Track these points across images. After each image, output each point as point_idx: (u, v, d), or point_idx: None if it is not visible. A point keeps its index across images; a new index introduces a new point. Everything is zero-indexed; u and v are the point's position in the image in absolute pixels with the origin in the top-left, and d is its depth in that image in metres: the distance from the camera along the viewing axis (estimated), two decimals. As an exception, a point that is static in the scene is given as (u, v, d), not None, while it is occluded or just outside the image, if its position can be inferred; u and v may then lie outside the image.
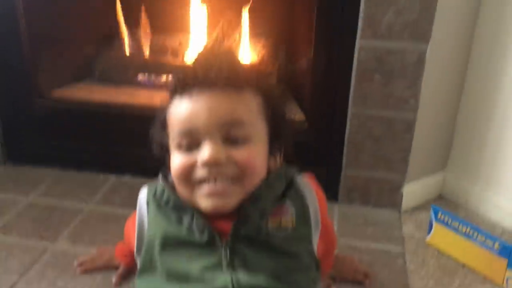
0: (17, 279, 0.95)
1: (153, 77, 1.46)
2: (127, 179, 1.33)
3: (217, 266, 0.65)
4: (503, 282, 0.96)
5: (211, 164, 0.62)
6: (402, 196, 1.20)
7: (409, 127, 1.13)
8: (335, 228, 1.15)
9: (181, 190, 0.67)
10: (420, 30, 1.04)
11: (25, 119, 1.36)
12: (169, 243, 0.67)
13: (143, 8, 1.52)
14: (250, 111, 0.67)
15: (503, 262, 0.95)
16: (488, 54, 1.15)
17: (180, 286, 0.65)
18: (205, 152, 0.63)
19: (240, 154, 0.64)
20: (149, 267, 0.69)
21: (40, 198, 1.24)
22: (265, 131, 0.69)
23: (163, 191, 0.69)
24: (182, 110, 0.65)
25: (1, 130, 1.37)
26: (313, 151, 1.21)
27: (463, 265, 1.02)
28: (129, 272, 0.94)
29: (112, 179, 1.33)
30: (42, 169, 1.37)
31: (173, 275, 0.66)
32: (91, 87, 1.47)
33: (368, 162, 1.18)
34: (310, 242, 0.71)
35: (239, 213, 0.66)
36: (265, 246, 0.66)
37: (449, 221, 1.03)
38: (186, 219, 0.67)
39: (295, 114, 1.26)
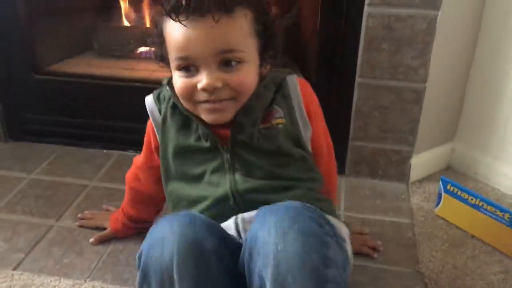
0: (23, 256, 0.95)
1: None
2: (130, 154, 1.31)
3: (221, 168, 0.76)
4: (514, 253, 0.95)
5: (209, 90, 0.70)
6: (410, 168, 1.19)
7: (418, 97, 1.10)
8: (342, 202, 1.14)
9: (186, 104, 0.75)
10: (431, -4, 1.00)
11: (25, 95, 1.35)
12: (180, 151, 0.78)
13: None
14: (243, 35, 0.70)
15: (514, 233, 0.94)
16: (500, 22, 1.11)
17: (193, 187, 0.78)
18: (203, 80, 0.69)
19: (234, 78, 0.70)
20: (166, 175, 0.81)
21: (43, 175, 1.24)
22: (256, 46, 0.73)
23: (169, 97, 0.78)
24: (179, 36, 0.69)
25: (1, 107, 1.36)
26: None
27: (472, 236, 1.02)
28: (113, 237, 1.00)
29: (115, 155, 1.33)
30: (44, 146, 1.37)
31: (186, 178, 0.78)
32: (90, 61, 1.46)
33: (376, 133, 1.17)
34: (300, 140, 0.78)
35: (234, 123, 0.74)
36: (259, 150, 0.76)
37: (459, 193, 1.02)
38: (193, 126, 0.77)
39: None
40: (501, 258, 0.96)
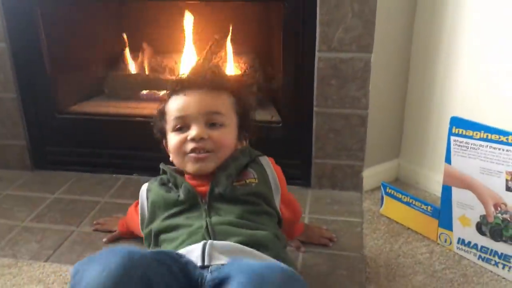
0: (52, 252, 1.20)
1: (153, 92, 1.71)
2: (134, 177, 1.58)
3: (199, 216, 0.87)
4: (437, 238, 1.20)
5: (196, 139, 0.91)
6: (362, 179, 1.45)
7: (363, 121, 1.38)
8: (308, 208, 1.39)
9: (175, 159, 0.96)
10: (364, 43, 1.29)
11: (48, 131, 1.60)
12: (167, 205, 0.92)
13: (143, 34, 1.78)
14: (226, 106, 0.96)
15: (435, 222, 1.19)
16: (424, 59, 1.40)
17: (173, 233, 0.88)
18: (193, 131, 0.91)
19: (216, 134, 0.92)
20: (150, 222, 0.94)
21: (64, 195, 1.49)
22: (235, 121, 0.98)
23: (164, 175, 0.97)
24: (177, 103, 0.94)
25: (28, 141, 1.62)
26: (287, 146, 1.46)
27: (408, 228, 1.27)
28: (120, 238, 1.23)
29: (122, 178, 1.58)
30: (64, 173, 1.61)
31: (167, 226, 0.89)
32: (102, 102, 1.71)
33: (333, 152, 1.43)
34: (271, 200, 0.95)
35: (213, 179, 0.91)
36: (233, 199, 0.89)
37: (395, 194, 1.28)
38: (179, 188, 0.92)
39: (273, 116, 1.51)
40: (428, 243, 1.21)
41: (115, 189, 1.52)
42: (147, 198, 0.98)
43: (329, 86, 1.36)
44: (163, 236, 0.90)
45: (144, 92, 1.73)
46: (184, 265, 0.76)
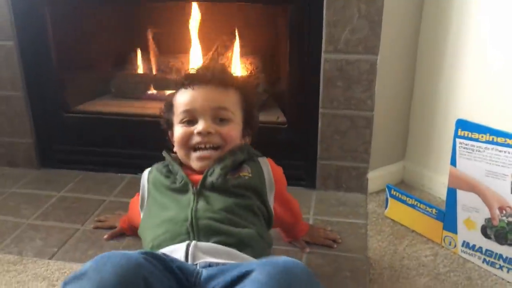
0: (56, 250, 1.21)
1: (160, 91, 1.72)
2: (139, 176, 1.57)
3: (187, 204, 0.87)
4: (441, 241, 1.20)
5: (203, 133, 0.92)
6: (367, 181, 1.45)
7: (368, 123, 1.38)
8: (312, 210, 1.39)
9: (179, 151, 0.97)
10: (370, 44, 1.30)
11: (55, 130, 1.62)
12: (159, 187, 0.95)
13: (150, 34, 1.79)
14: (232, 102, 0.97)
15: (440, 224, 1.19)
16: (430, 61, 1.40)
17: (160, 213, 0.90)
18: (200, 125, 0.93)
19: (223, 129, 0.94)
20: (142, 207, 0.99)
21: (69, 193, 1.50)
22: (241, 118, 1.00)
23: (163, 162, 1.00)
24: (186, 97, 0.96)
25: (35, 140, 1.63)
26: (293, 147, 1.46)
27: (412, 231, 1.26)
28: (121, 234, 1.24)
29: (127, 177, 1.59)
30: (70, 171, 1.63)
31: (156, 205, 0.93)
32: (109, 102, 1.72)
33: (338, 153, 1.43)
34: (264, 196, 0.94)
35: (208, 169, 0.92)
36: (224, 190, 0.89)
37: (400, 196, 1.28)
38: (174, 173, 0.95)
39: (278, 117, 1.52)
40: (432, 246, 1.21)
41: (120, 188, 1.53)
42: (148, 180, 1.00)
43: (335, 88, 1.36)
44: (149, 217, 0.94)
45: (151, 91, 1.74)
46: (177, 263, 0.76)
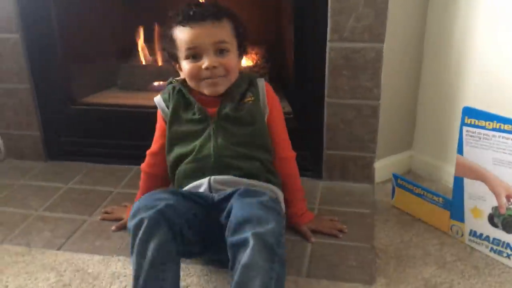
0: (64, 241, 1.22)
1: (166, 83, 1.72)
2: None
3: (207, 135, 1.08)
4: (448, 229, 1.19)
5: (210, 68, 1.04)
6: (374, 171, 1.44)
7: (375, 112, 1.37)
8: (318, 199, 1.38)
9: (191, 82, 1.09)
10: (376, 32, 1.28)
11: (62, 122, 1.63)
12: (179, 117, 1.11)
13: (156, 27, 1.79)
14: (228, 33, 1.07)
15: (447, 213, 1.18)
16: (437, 49, 1.38)
17: (184, 146, 1.10)
18: (206, 61, 1.04)
19: (224, 60, 1.06)
20: (169, 141, 1.13)
21: (76, 185, 1.52)
22: (236, 44, 1.09)
23: (173, 87, 1.13)
24: (187, 35, 1.05)
25: (42, 132, 1.65)
26: (299, 137, 1.44)
27: (419, 220, 1.26)
28: None
29: (134, 168, 1.59)
30: (77, 163, 1.64)
31: (180, 140, 1.11)
32: (115, 93, 1.74)
33: (344, 143, 1.42)
34: (262, 115, 1.12)
35: (220, 102, 1.09)
36: (236, 119, 1.08)
37: (406, 185, 1.27)
38: (190, 106, 1.10)
39: (284, 107, 1.50)
40: (439, 235, 1.20)
41: (127, 180, 1.54)
42: (168, 108, 1.13)
43: (341, 77, 1.35)
44: (176, 152, 1.12)
45: (156, 83, 1.74)
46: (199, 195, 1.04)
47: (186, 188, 1.09)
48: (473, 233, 1.13)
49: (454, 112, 1.34)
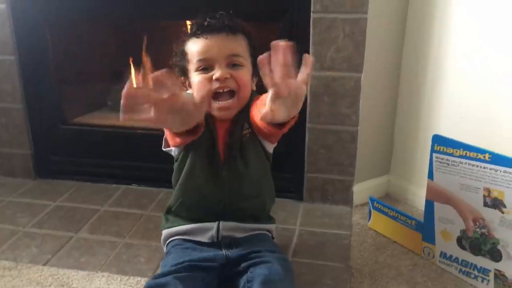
0: (50, 257, 1.25)
1: (154, 105, 1.78)
2: (133, 187, 1.64)
3: (219, 178, 1.05)
4: (421, 251, 1.24)
5: (221, 79, 0.98)
6: (352, 194, 1.49)
7: (353, 137, 1.43)
8: (299, 220, 1.43)
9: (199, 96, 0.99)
10: (355, 63, 1.36)
11: (52, 141, 1.67)
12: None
13: (144, 51, 1.85)
14: (243, 48, 1.03)
15: (419, 235, 1.24)
16: (412, 79, 1.46)
17: (195, 174, 1.05)
18: (217, 72, 0.98)
19: (238, 74, 0.99)
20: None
21: (64, 202, 1.55)
22: (250, 62, 1.03)
23: None
24: (200, 46, 1.00)
25: (32, 150, 1.69)
26: (281, 160, 1.50)
27: (394, 242, 1.31)
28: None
29: (122, 187, 1.64)
30: (66, 182, 1.68)
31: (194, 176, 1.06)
32: (105, 115, 1.77)
33: (324, 167, 1.48)
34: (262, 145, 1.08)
35: (229, 129, 1.04)
36: (248, 158, 1.05)
37: (382, 208, 1.33)
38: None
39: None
40: (412, 256, 1.26)
41: (114, 198, 1.58)
42: None
43: (321, 103, 1.42)
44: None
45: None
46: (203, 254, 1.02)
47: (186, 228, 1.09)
48: (443, 255, 1.19)
49: (428, 139, 1.40)
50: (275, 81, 0.77)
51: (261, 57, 0.76)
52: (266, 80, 0.77)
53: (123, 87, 0.77)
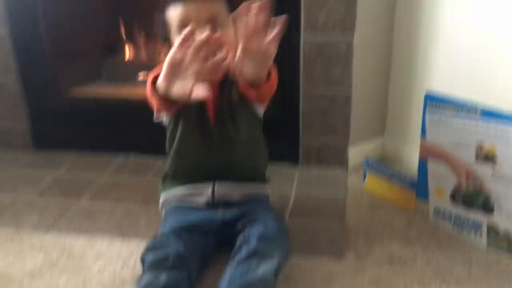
0: (52, 222, 1.28)
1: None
2: (131, 157, 1.66)
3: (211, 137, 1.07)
4: (415, 209, 1.27)
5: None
6: (347, 156, 1.51)
7: (347, 100, 1.44)
8: (295, 184, 1.46)
9: None
10: (347, 25, 1.36)
11: (49, 113, 1.68)
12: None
13: (139, 21, 1.85)
14: (222, 8, 1.03)
15: (413, 193, 1.26)
16: (406, 38, 1.46)
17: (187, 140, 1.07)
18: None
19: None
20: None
21: (64, 173, 1.57)
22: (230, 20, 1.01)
23: None
24: (182, 12, 1.00)
25: (30, 122, 1.70)
26: (276, 126, 1.52)
27: (388, 201, 1.34)
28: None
29: (119, 157, 1.66)
30: (64, 153, 1.70)
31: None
32: (100, 85, 1.79)
33: (319, 130, 1.50)
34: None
35: (219, 100, 1.06)
36: (233, 113, 1.07)
37: (376, 169, 1.35)
38: None
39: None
40: (406, 214, 1.27)
41: (112, 168, 1.60)
42: None
43: (314, 67, 1.42)
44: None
45: (140, 75, 1.80)
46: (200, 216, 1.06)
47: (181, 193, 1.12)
48: (437, 211, 1.22)
49: (421, 99, 1.42)
50: (244, 34, 0.84)
51: (234, 13, 0.83)
52: (238, 34, 0.84)
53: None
